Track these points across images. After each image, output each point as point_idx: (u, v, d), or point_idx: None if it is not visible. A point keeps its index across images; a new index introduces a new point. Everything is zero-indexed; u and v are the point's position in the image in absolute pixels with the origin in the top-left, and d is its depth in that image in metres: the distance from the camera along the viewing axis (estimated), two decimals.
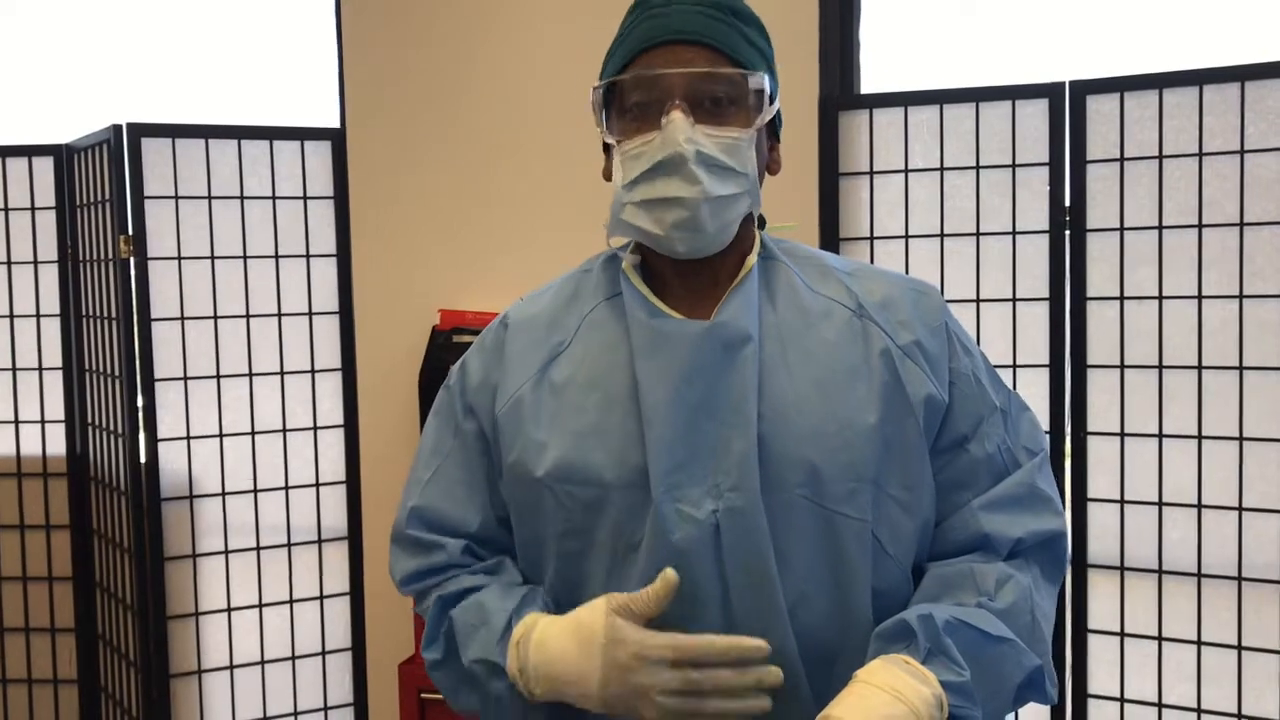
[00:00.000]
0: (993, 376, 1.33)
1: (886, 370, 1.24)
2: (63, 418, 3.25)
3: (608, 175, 1.30)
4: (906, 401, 1.24)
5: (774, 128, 1.32)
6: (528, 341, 1.32)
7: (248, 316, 3.11)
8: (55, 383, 3.24)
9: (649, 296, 1.28)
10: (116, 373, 3.02)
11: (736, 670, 1.11)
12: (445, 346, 3.03)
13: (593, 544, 1.25)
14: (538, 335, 1.32)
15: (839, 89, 2.89)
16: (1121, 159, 2.63)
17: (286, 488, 3.17)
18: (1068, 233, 2.68)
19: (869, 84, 2.95)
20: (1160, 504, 2.63)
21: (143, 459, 3.02)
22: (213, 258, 3.07)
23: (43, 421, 3.24)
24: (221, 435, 3.09)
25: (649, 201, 1.21)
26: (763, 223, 1.35)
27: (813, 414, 1.21)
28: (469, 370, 1.36)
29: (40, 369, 3.23)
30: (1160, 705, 2.65)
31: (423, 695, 2.93)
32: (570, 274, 1.39)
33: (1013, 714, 1.23)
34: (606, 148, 1.30)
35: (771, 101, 1.26)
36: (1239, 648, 2.58)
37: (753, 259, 1.30)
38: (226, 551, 3.12)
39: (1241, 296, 2.54)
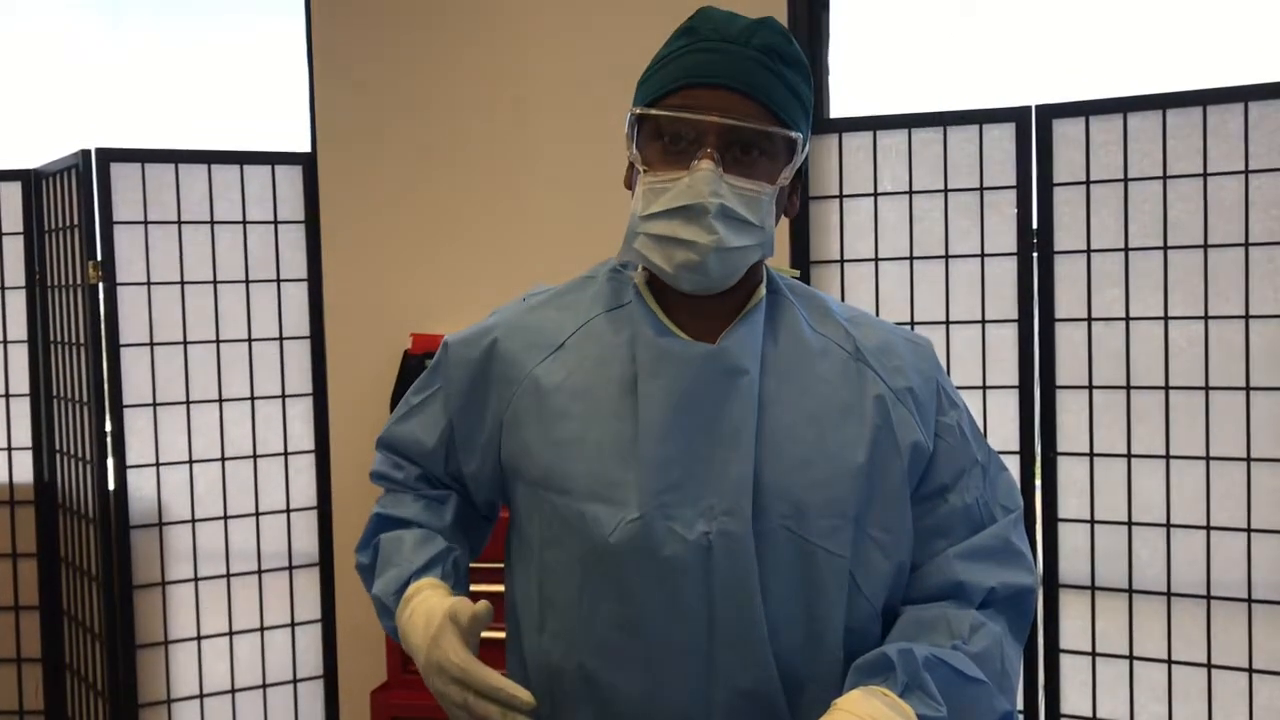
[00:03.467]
0: (975, 432, 1.35)
1: (879, 414, 1.26)
2: (30, 445, 3.22)
3: (629, 184, 1.30)
4: (895, 446, 1.25)
5: (799, 171, 1.30)
6: (525, 342, 1.33)
7: (218, 342, 3.09)
8: (22, 409, 3.21)
9: (659, 315, 1.28)
10: (85, 399, 3.00)
11: (501, 710, 1.19)
12: (417, 370, 3.03)
13: (565, 554, 1.26)
14: (533, 339, 1.33)
15: None
16: (1088, 182, 2.66)
17: (257, 514, 3.15)
18: (1035, 255, 2.71)
19: (838, 108, 2.98)
20: (1130, 524, 2.65)
21: (111, 486, 3.00)
22: (182, 283, 3.05)
23: (9, 449, 3.21)
24: (191, 461, 3.07)
25: (662, 238, 1.21)
26: None
27: (803, 447, 1.23)
28: (503, 334, 1.36)
29: (7, 395, 3.20)
30: None
31: None
32: (576, 280, 1.40)
33: None
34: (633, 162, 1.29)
35: (802, 149, 1.26)
36: (1208, 666, 2.60)
37: (762, 291, 1.31)
38: (196, 579, 3.09)
39: (1207, 318, 2.57)
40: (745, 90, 1.20)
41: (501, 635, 1.40)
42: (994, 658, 1.22)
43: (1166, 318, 2.61)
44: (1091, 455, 2.68)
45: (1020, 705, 2.69)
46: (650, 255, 1.23)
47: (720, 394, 1.23)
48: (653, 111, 1.23)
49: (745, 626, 1.19)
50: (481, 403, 1.35)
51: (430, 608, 1.26)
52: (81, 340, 2.99)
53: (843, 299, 2.79)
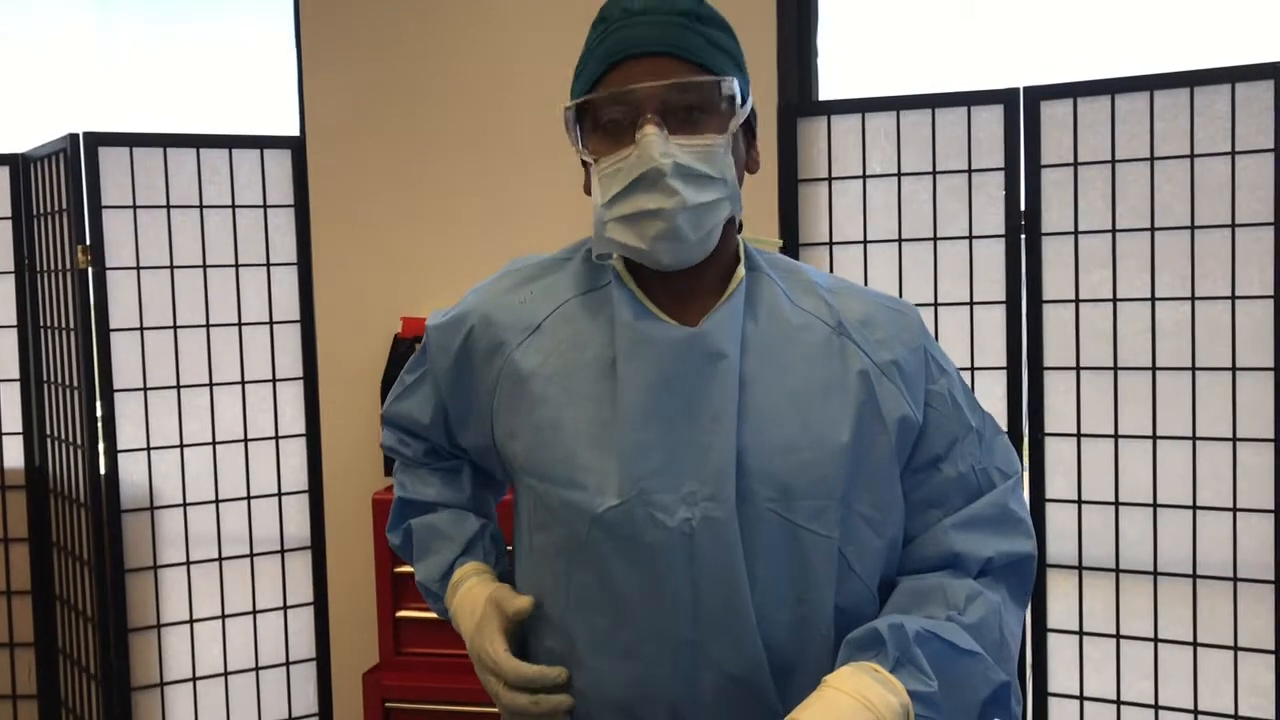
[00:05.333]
0: (968, 396, 1.34)
1: (863, 390, 1.24)
2: (20, 430, 3.21)
3: (589, 190, 1.29)
4: (881, 421, 1.24)
5: (750, 127, 1.32)
6: (502, 326, 1.33)
7: (208, 326, 3.09)
8: (13, 394, 3.21)
9: (639, 296, 1.27)
10: (75, 384, 3.00)
11: (531, 699, 1.24)
12: (408, 354, 3.03)
13: (550, 540, 1.26)
14: (510, 321, 1.32)
15: (797, 96, 2.91)
16: (1075, 163, 2.67)
17: (248, 497, 3.15)
18: (1023, 236, 2.71)
19: (826, 90, 2.98)
20: (1117, 504, 2.67)
21: (102, 470, 3.00)
22: (172, 267, 3.05)
23: (0, 434, 3.21)
24: (182, 445, 3.07)
25: (629, 216, 1.20)
26: (740, 227, 1.34)
27: (787, 428, 1.22)
28: (483, 318, 1.36)
29: None
30: (1119, 702, 2.69)
31: (387, 705, 2.92)
32: (552, 258, 1.39)
33: None
34: (586, 162, 1.29)
35: (744, 103, 1.26)
36: (1194, 644, 2.62)
37: (741, 271, 1.29)
38: (188, 563, 3.10)
39: (1194, 299, 2.59)
40: (669, 51, 1.20)
41: None
42: (991, 627, 1.21)
43: (1153, 299, 2.62)
44: (1079, 436, 2.70)
45: None
46: (623, 238, 1.22)
47: (700, 378, 1.21)
48: (585, 99, 1.23)
49: (731, 612, 1.18)
50: (468, 388, 1.36)
51: (475, 597, 1.33)
52: (71, 325, 2.99)
53: None
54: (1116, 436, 2.66)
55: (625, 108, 1.21)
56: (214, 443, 3.11)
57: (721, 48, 1.25)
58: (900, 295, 2.79)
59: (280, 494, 3.19)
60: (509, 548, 1.43)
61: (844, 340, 1.27)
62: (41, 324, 3.18)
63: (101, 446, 3.00)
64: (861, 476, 1.23)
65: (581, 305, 1.31)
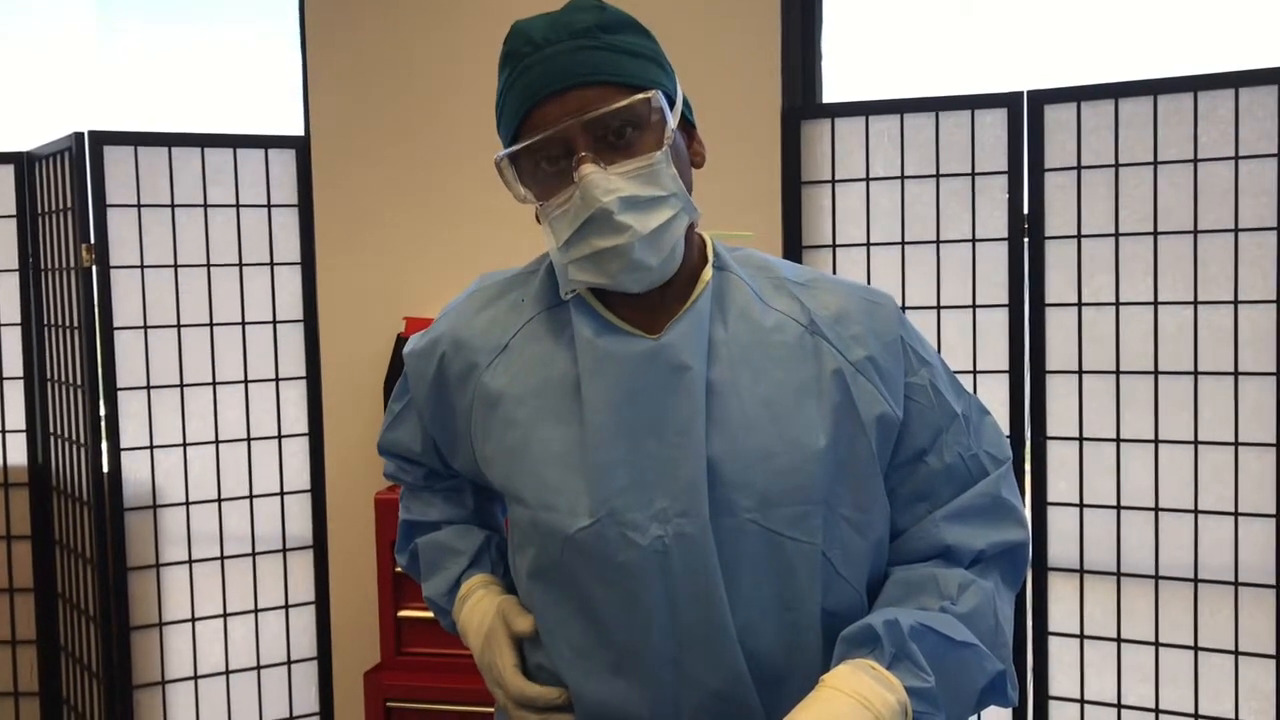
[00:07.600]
0: (952, 383, 1.31)
1: (838, 390, 1.22)
2: (24, 427, 3.22)
3: (540, 220, 1.25)
4: (858, 421, 1.22)
5: (687, 121, 1.26)
6: (471, 348, 1.32)
7: (211, 325, 3.09)
8: (16, 392, 3.22)
9: (599, 309, 1.25)
10: (79, 382, 3.00)
11: (539, 717, 1.26)
12: None
13: (529, 561, 1.26)
14: (479, 343, 1.32)
15: (801, 98, 2.91)
16: (1079, 167, 2.67)
17: (251, 497, 3.15)
18: (1026, 240, 2.71)
19: (830, 93, 2.98)
20: (1119, 507, 2.67)
21: (105, 469, 3.00)
22: (176, 266, 3.05)
23: (3, 431, 3.21)
24: (185, 444, 3.08)
25: (588, 257, 1.18)
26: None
27: (762, 436, 1.19)
28: (452, 345, 1.35)
29: (1, 378, 3.20)
30: (1120, 706, 2.69)
31: (389, 704, 2.93)
32: (519, 273, 1.37)
33: (974, 717, 1.24)
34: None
35: (673, 104, 1.21)
36: (1195, 648, 2.62)
37: (708, 274, 1.26)
38: (190, 561, 3.10)
39: (1196, 303, 2.59)
40: (585, 80, 1.16)
41: None
42: (985, 614, 1.21)
43: (1156, 303, 2.62)
44: (1081, 439, 2.70)
45: None
46: (588, 277, 1.19)
47: (665, 392, 1.19)
48: (514, 149, 1.20)
49: (711, 628, 1.17)
50: (448, 414, 1.35)
51: (483, 609, 1.34)
52: (75, 323, 3.00)
53: None
54: (1118, 440, 2.67)
55: (555, 148, 1.17)
56: (217, 441, 3.11)
57: (637, 53, 1.20)
58: (903, 298, 2.80)
59: (282, 493, 3.19)
60: None
61: (817, 339, 1.24)
62: (45, 322, 3.19)
63: (105, 445, 3.01)
64: (842, 479, 1.21)
65: (546, 321, 1.29)
